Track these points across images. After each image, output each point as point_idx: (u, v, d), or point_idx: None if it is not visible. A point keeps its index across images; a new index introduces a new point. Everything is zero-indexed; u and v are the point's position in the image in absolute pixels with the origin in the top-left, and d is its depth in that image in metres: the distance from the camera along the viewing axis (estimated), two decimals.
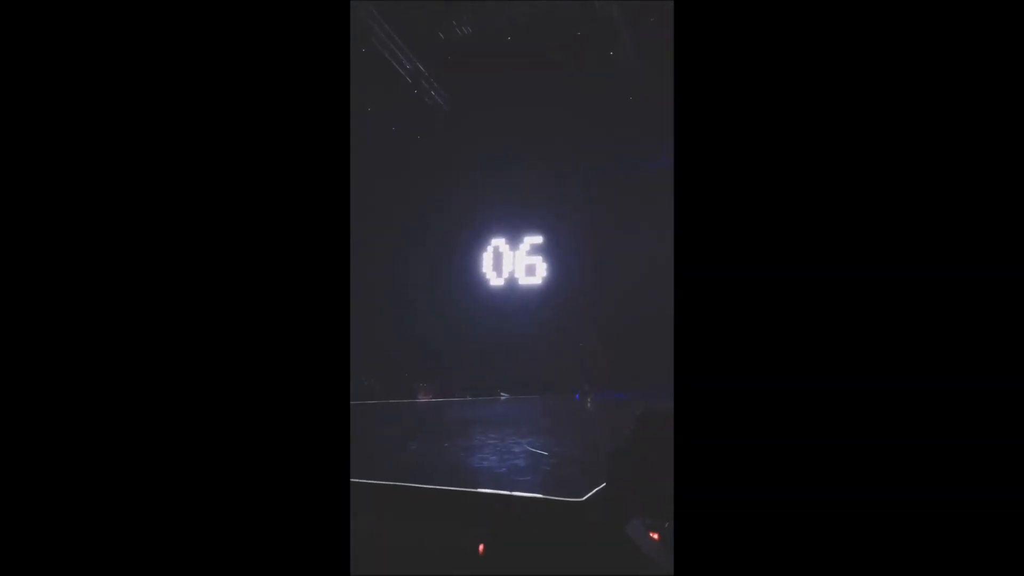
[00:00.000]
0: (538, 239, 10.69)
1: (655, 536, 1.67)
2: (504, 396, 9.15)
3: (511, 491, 2.45)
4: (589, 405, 8.00)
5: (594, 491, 2.27)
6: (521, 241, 10.83)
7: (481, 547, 2.06)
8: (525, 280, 10.71)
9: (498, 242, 10.91)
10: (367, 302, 10.84)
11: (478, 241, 11.02)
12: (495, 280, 10.87)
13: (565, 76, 8.96)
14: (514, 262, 10.78)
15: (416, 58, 8.99)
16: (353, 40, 8.28)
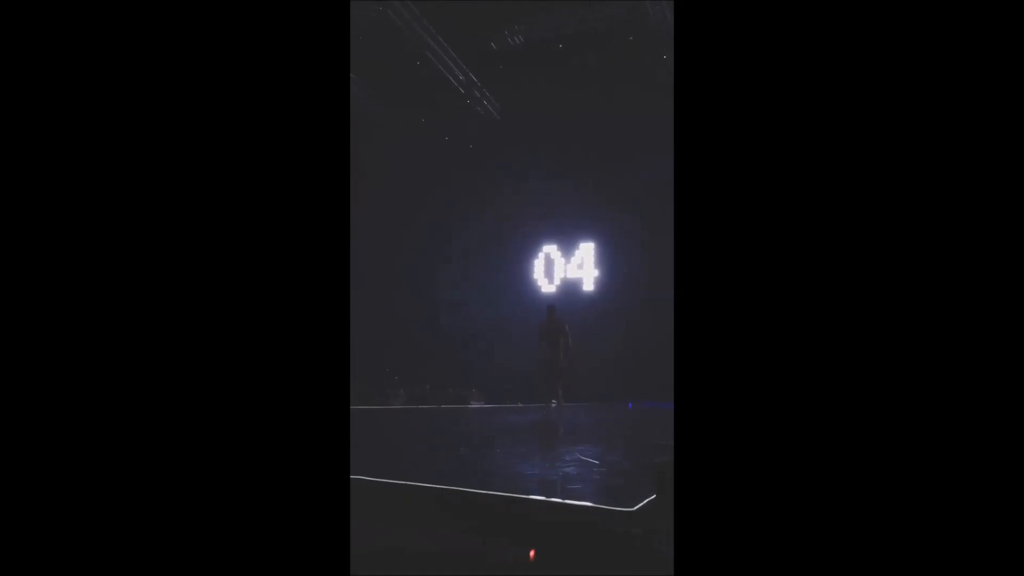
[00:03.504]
0: (590, 245, 10.64)
1: None
2: (555, 403, 9.13)
3: (563, 499, 2.46)
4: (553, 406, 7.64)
5: (644, 502, 2.26)
6: (574, 248, 10.81)
7: (532, 552, 2.08)
8: (577, 286, 10.67)
9: (549, 248, 10.93)
10: (419, 310, 11.05)
11: (529, 248, 11.07)
12: (547, 286, 10.88)
13: (617, 82, 8.92)
14: (566, 268, 10.77)
15: (468, 69, 9.14)
16: (407, 54, 8.50)
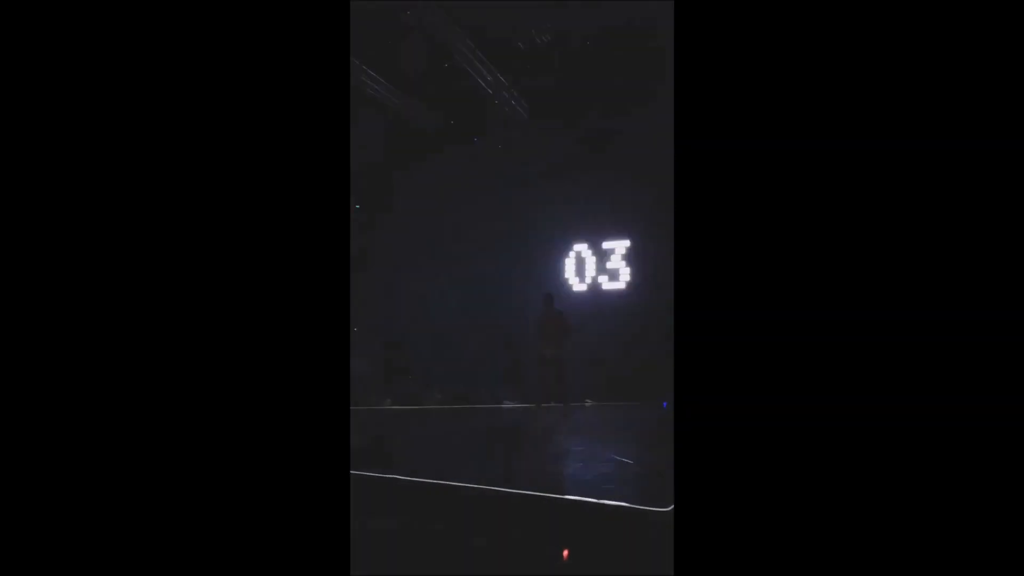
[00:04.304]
0: (624, 243, 10.56)
1: None
2: (589, 403, 9.09)
3: (599, 499, 2.45)
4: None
5: None
6: (604, 246, 10.75)
7: (566, 552, 2.08)
8: (608, 285, 10.61)
9: (580, 247, 10.88)
10: (449, 311, 11.13)
11: (560, 247, 11.04)
12: (578, 286, 10.84)
13: (648, 78, 8.83)
14: (596, 267, 10.71)
15: (496, 69, 9.16)
16: (435, 55, 8.57)
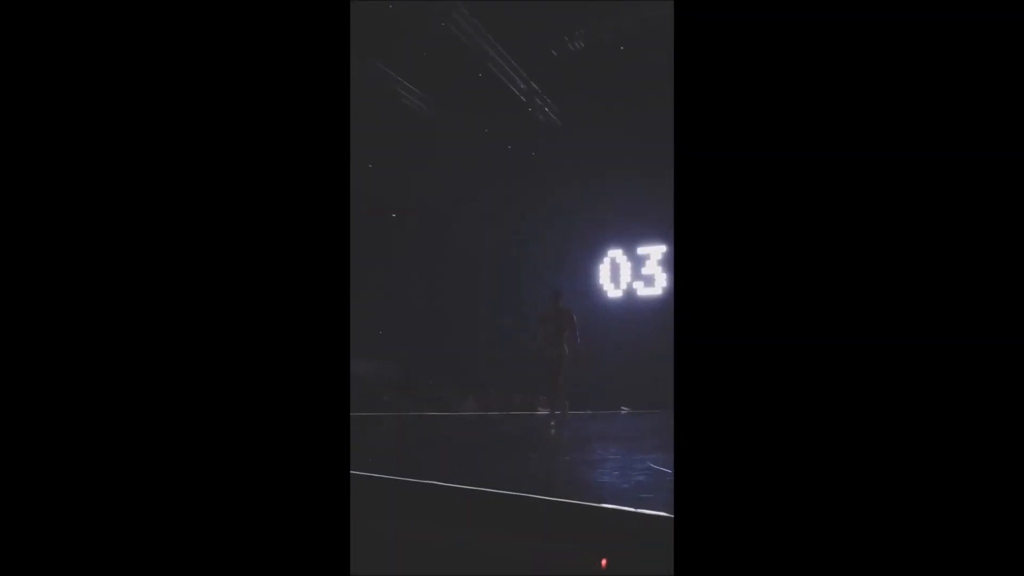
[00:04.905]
0: (660, 248, 10.42)
1: None
2: (625, 410, 8.98)
3: (636, 508, 2.41)
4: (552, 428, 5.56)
5: None
6: (639, 252, 10.63)
7: (604, 561, 2.04)
8: (644, 291, 10.47)
9: (615, 253, 10.79)
10: (485, 317, 11.16)
11: (594, 253, 10.97)
12: (612, 291, 10.74)
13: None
14: (631, 273, 10.59)
15: (529, 77, 9.19)
16: (470, 65, 8.64)
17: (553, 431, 5.51)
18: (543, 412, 8.93)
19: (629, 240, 10.63)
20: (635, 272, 10.55)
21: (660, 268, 10.34)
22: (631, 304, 10.36)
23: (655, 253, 10.47)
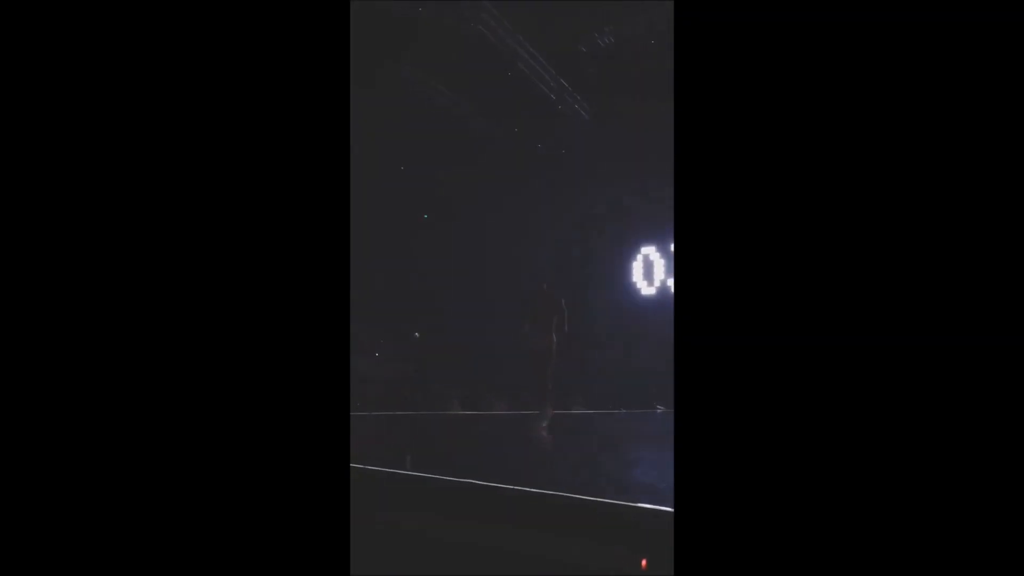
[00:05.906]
0: None
1: None
2: (661, 409, 8.88)
3: (673, 508, 2.38)
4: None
5: None
6: (673, 248, 10.49)
7: (644, 562, 2.03)
8: None
9: (648, 250, 10.68)
10: (511, 316, 11.17)
11: (627, 250, 10.88)
12: (646, 289, 10.63)
13: None
14: (665, 270, 10.47)
15: (559, 74, 9.16)
16: (500, 64, 8.66)
17: (546, 432, 5.18)
18: (577, 412, 8.86)
19: (662, 237, 10.50)
20: (669, 269, 10.42)
21: None
22: (665, 301, 10.24)
23: None
